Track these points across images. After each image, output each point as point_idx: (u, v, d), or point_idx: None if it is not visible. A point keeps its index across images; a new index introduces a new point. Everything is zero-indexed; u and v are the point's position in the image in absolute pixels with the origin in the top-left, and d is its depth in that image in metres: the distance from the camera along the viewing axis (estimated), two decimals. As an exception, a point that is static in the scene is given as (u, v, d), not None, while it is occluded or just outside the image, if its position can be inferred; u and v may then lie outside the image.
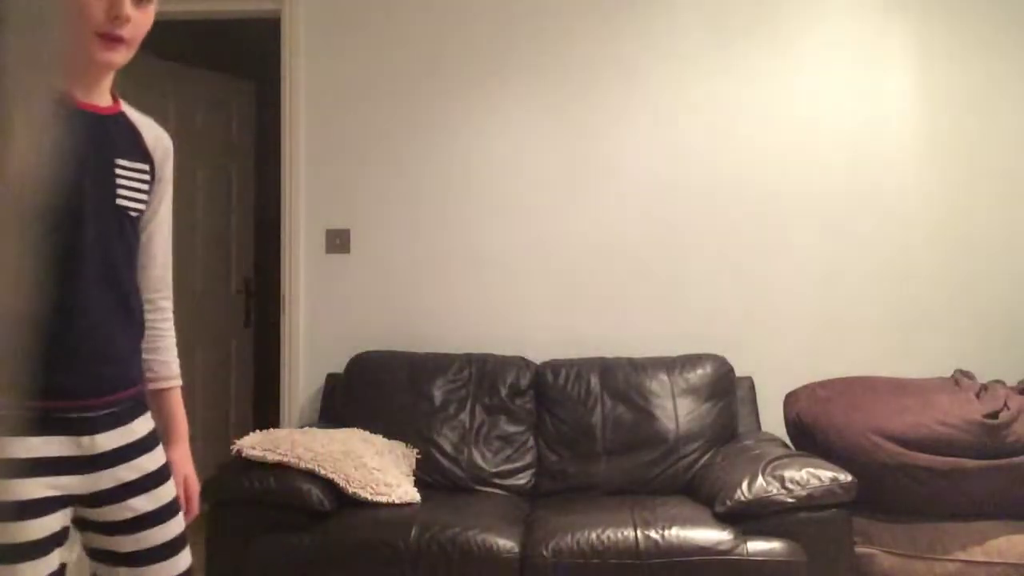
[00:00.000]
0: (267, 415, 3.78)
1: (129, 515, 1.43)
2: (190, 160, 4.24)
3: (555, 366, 3.18)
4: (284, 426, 3.37)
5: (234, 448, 2.59)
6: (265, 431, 2.75)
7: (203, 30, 4.36)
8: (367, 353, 3.25)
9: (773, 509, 2.40)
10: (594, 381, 3.12)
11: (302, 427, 3.07)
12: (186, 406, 4.35)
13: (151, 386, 1.57)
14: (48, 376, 1.31)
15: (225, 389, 4.40)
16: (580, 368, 3.16)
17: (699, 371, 3.10)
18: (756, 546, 2.36)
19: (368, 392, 3.13)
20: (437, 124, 3.47)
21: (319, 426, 3.05)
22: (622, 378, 3.11)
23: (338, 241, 3.48)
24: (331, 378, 3.32)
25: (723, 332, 3.34)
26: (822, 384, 2.92)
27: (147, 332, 1.56)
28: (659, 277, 3.40)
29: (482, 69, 3.46)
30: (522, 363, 3.21)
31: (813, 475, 2.43)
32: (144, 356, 1.55)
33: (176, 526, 1.49)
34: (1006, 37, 3.33)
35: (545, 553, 2.38)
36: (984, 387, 2.76)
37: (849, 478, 2.43)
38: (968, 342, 3.28)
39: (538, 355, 3.27)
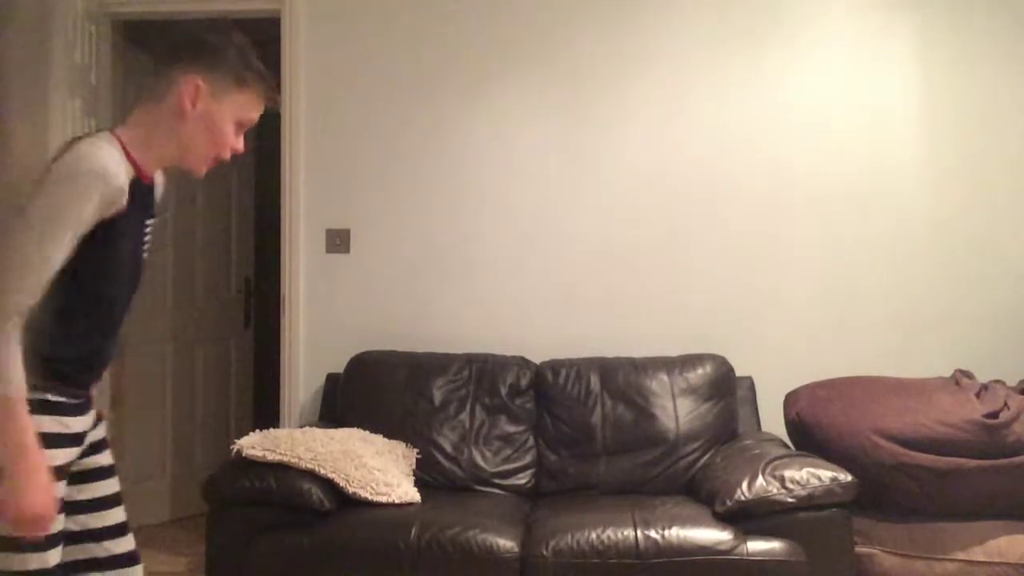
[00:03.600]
0: (267, 415, 3.78)
1: (97, 465, 1.66)
2: (190, 160, 4.23)
3: (555, 366, 3.18)
4: (284, 426, 3.36)
5: (234, 448, 2.58)
6: (265, 431, 2.75)
7: (203, 30, 4.36)
8: (367, 353, 3.25)
9: (773, 509, 2.40)
10: (594, 381, 3.12)
11: (302, 427, 3.07)
12: (186, 406, 4.40)
13: None
14: (86, 373, 1.60)
15: (225, 389, 4.40)
16: (580, 368, 3.16)
17: (699, 371, 3.10)
18: (756, 546, 2.36)
19: (368, 392, 3.13)
20: (437, 124, 3.47)
21: (319, 426, 3.05)
22: (622, 378, 3.10)
23: (338, 241, 3.48)
24: (331, 378, 3.32)
25: (723, 332, 3.33)
26: (822, 384, 2.92)
27: None
28: (659, 277, 3.40)
29: (482, 69, 3.46)
30: (522, 363, 3.21)
31: (813, 475, 2.43)
32: None
33: (116, 484, 1.72)
34: (1009, 37, 3.33)
35: (545, 553, 2.38)
36: (984, 387, 2.76)
37: (849, 478, 2.43)
38: (968, 342, 3.28)
39: (538, 355, 3.27)
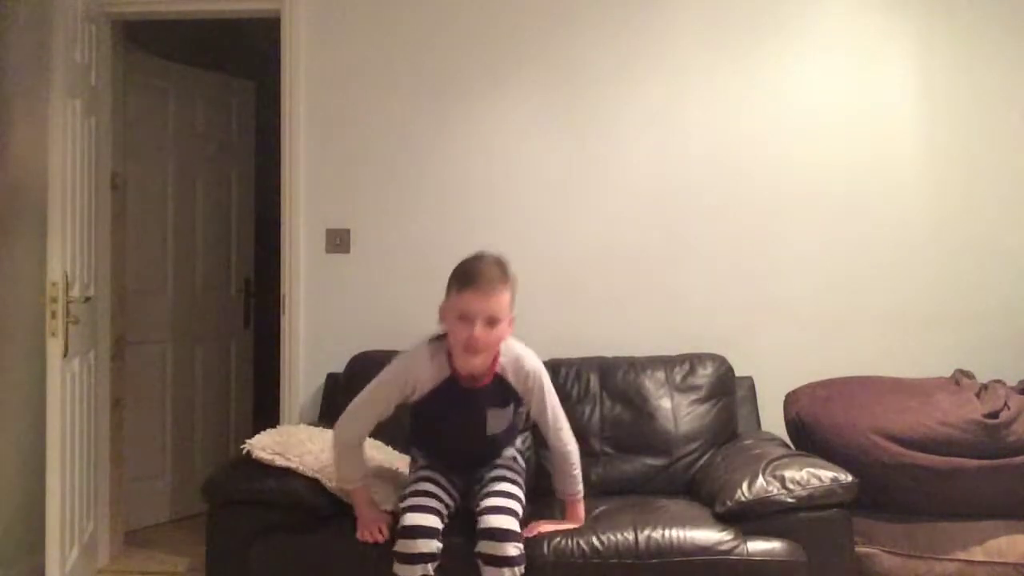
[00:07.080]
0: (267, 415, 3.78)
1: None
2: (190, 160, 4.23)
3: (555, 365, 3.17)
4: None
5: (244, 448, 2.56)
6: (277, 429, 2.73)
7: (203, 30, 4.36)
8: (367, 353, 3.24)
9: (773, 509, 2.40)
10: (593, 380, 3.12)
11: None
12: (186, 406, 4.40)
13: None
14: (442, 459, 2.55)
15: (225, 389, 4.40)
16: (579, 367, 3.16)
17: (699, 371, 3.10)
18: (756, 546, 2.36)
19: (368, 392, 3.12)
20: (438, 124, 3.47)
21: (319, 426, 3.04)
22: (621, 378, 3.11)
23: (338, 241, 3.48)
24: (331, 378, 3.32)
25: (723, 332, 3.33)
26: (822, 384, 2.92)
27: None
28: (659, 277, 3.40)
29: (482, 69, 3.46)
30: (522, 363, 3.20)
31: (813, 475, 2.43)
32: None
33: None
34: (1009, 38, 3.34)
35: (545, 552, 2.38)
36: (984, 387, 2.76)
37: (849, 478, 2.43)
38: (968, 342, 3.28)
39: (538, 355, 3.26)
